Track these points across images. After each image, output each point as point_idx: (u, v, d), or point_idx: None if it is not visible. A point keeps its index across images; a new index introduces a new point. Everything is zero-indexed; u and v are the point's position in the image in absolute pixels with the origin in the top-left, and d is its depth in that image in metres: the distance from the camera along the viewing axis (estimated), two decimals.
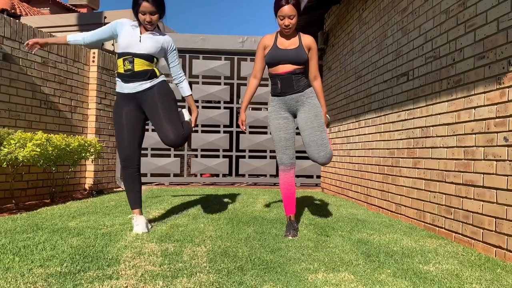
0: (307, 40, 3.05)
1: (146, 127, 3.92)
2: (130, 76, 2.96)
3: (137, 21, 3.02)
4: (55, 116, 5.13)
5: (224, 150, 7.10)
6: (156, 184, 6.90)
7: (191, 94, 3.24)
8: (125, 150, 3.02)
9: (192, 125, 3.20)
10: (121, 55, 2.98)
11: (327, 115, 3.12)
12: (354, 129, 5.00)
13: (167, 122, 2.98)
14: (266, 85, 6.97)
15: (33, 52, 3.11)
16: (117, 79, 3.06)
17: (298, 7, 2.94)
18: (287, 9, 2.88)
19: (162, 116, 2.98)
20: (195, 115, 3.25)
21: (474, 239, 2.68)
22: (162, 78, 3.09)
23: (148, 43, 2.98)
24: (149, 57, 2.98)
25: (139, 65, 2.96)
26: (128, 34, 2.98)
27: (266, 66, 3.12)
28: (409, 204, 3.59)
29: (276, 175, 6.93)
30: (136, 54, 2.94)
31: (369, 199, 4.49)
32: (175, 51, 3.15)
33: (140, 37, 2.98)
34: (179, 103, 3.31)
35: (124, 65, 2.95)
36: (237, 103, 7.23)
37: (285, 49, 2.99)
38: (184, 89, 3.21)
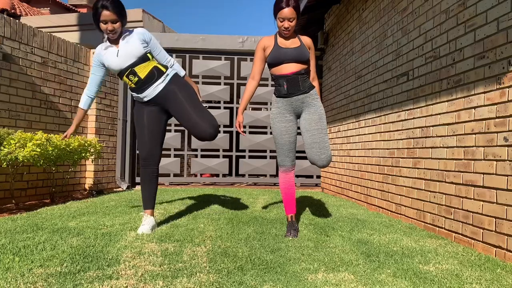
0: (307, 40, 3.08)
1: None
2: (142, 85, 2.96)
3: (106, 39, 2.96)
4: (55, 116, 5.13)
5: (224, 150, 7.10)
6: None
7: (185, 74, 3.18)
8: (145, 149, 3.02)
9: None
10: (121, 74, 2.98)
11: None
12: (354, 129, 5.00)
13: (201, 117, 2.89)
14: (266, 85, 6.97)
15: (67, 138, 3.20)
16: (132, 93, 3.06)
17: (298, 9, 2.93)
18: (287, 11, 2.88)
19: (193, 112, 2.89)
20: (196, 89, 3.13)
21: (474, 239, 2.68)
22: (171, 71, 3.06)
23: (127, 48, 2.92)
24: (142, 58, 2.95)
25: (142, 71, 2.95)
26: (109, 59, 2.94)
27: (267, 67, 3.11)
28: (409, 204, 3.59)
29: (276, 175, 6.92)
30: (131, 65, 2.92)
31: (369, 199, 4.49)
32: (153, 39, 3.06)
33: (117, 51, 2.92)
34: None
35: (130, 80, 2.95)
36: (237, 103, 7.23)
37: (288, 48, 2.98)
38: (177, 71, 3.15)
